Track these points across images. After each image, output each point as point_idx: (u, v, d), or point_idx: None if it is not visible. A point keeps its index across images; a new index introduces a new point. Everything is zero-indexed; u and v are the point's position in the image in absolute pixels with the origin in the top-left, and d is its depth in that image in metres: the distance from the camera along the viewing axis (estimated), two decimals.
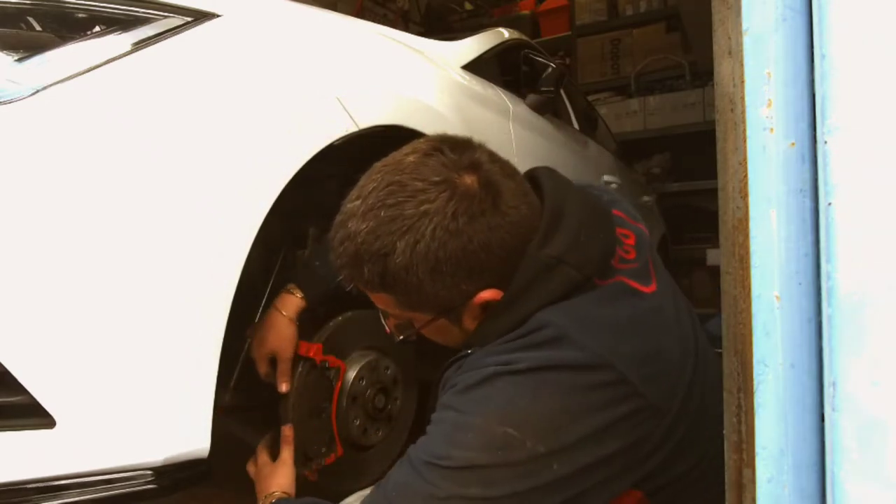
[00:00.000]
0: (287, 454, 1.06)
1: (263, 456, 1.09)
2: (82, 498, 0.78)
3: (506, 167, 0.84)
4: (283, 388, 1.09)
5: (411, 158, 0.80)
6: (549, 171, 0.92)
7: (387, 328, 0.93)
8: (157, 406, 0.81)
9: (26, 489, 0.76)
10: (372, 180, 0.80)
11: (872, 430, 0.45)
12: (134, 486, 0.80)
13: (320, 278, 1.10)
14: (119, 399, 0.79)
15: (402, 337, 0.91)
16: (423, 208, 0.76)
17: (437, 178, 0.78)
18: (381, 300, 0.86)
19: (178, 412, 0.83)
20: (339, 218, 0.82)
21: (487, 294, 0.81)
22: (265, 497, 1.00)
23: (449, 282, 0.79)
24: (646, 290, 0.88)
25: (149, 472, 0.81)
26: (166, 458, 0.82)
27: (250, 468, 1.10)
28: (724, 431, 0.57)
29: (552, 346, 0.77)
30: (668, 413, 0.78)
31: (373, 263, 0.78)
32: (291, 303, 1.09)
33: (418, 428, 1.40)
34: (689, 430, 0.80)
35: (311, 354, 1.13)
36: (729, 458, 0.56)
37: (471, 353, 0.83)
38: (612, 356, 0.76)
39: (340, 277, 0.84)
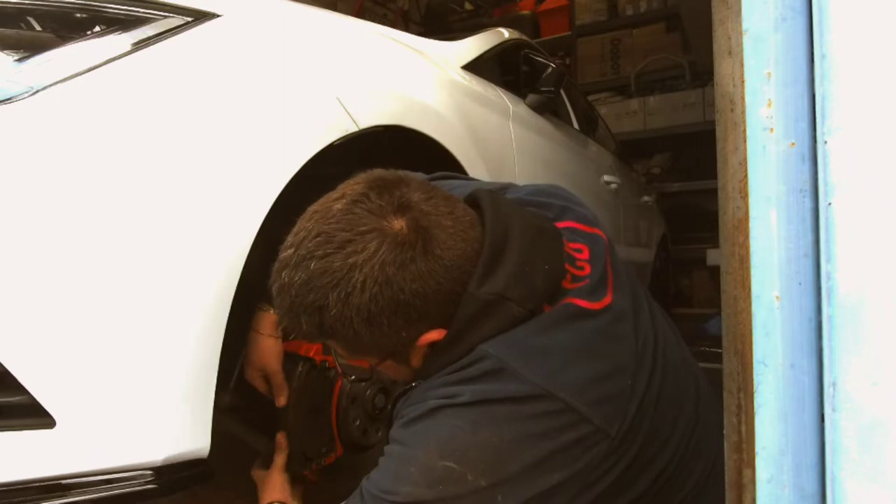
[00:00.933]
0: (280, 461, 1.08)
1: (255, 466, 1.11)
2: (82, 498, 0.79)
3: (440, 202, 0.80)
4: (281, 401, 1.10)
5: (338, 206, 0.78)
6: (491, 197, 0.88)
7: (339, 369, 0.95)
8: (157, 406, 0.81)
9: (26, 489, 0.76)
10: (304, 228, 0.78)
11: (872, 430, 0.45)
12: (134, 486, 0.80)
13: None
14: (119, 399, 0.79)
15: (353, 378, 0.94)
16: (350, 261, 0.74)
17: (363, 228, 0.75)
18: (327, 343, 0.88)
19: (178, 412, 0.83)
20: (275, 266, 0.80)
21: (431, 335, 0.80)
22: None
23: (387, 330, 0.77)
24: (597, 306, 0.85)
25: (149, 472, 0.81)
26: (166, 458, 0.82)
27: (254, 473, 1.12)
28: (724, 431, 0.57)
29: (491, 379, 0.76)
30: (619, 433, 0.78)
31: (308, 315, 0.76)
32: (266, 320, 1.08)
33: None
34: (643, 446, 0.81)
35: (311, 354, 1.13)
36: (729, 458, 0.56)
37: (415, 386, 0.84)
38: (552, 386, 0.75)
39: (281, 327, 0.86)
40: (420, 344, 0.81)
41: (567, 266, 0.86)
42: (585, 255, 0.90)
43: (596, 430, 0.76)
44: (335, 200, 0.79)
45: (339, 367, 0.94)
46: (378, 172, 0.84)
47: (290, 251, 0.78)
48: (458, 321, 0.79)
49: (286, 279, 0.77)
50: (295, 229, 0.80)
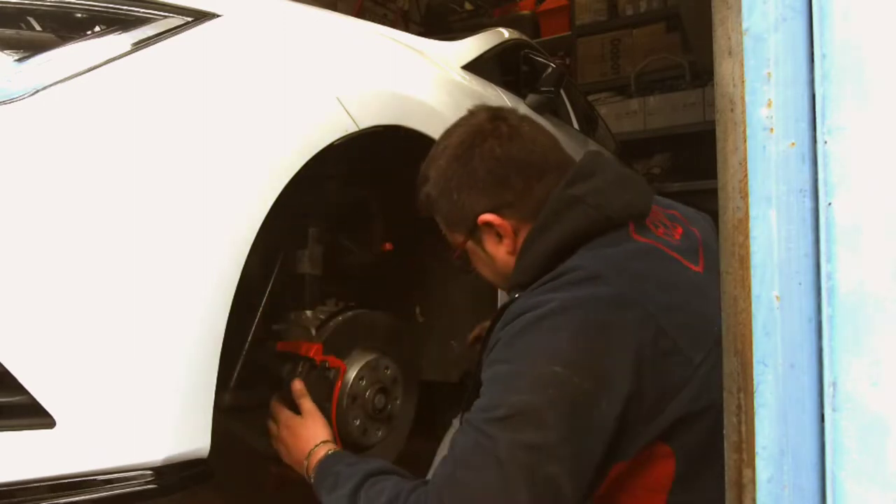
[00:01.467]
0: (309, 404, 1.06)
1: (284, 412, 1.07)
2: (82, 498, 0.78)
3: (529, 127, 1.01)
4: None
5: (460, 118, 1.06)
6: (596, 153, 1.05)
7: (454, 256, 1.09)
8: (157, 406, 0.81)
9: (26, 489, 0.76)
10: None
11: (872, 430, 0.45)
12: (134, 486, 0.80)
13: None
14: (119, 399, 0.79)
15: (455, 258, 1.07)
16: (446, 142, 1.01)
17: (464, 122, 1.03)
18: (439, 223, 1.06)
19: (178, 412, 0.83)
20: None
21: (488, 217, 0.96)
22: (309, 453, 0.99)
23: (456, 198, 0.97)
24: (689, 265, 0.92)
25: (149, 472, 0.81)
26: (166, 458, 0.82)
27: (272, 428, 1.09)
28: (724, 431, 0.57)
29: (585, 285, 0.82)
30: (693, 362, 0.81)
31: (421, 188, 1.03)
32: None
33: (418, 428, 1.40)
34: (710, 388, 0.81)
35: (311, 354, 1.13)
36: (729, 458, 0.56)
37: (511, 304, 0.89)
38: (642, 298, 0.81)
39: (418, 204, 1.06)
40: (480, 222, 0.97)
41: (656, 219, 0.97)
42: (679, 230, 0.99)
43: (677, 349, 0.80)
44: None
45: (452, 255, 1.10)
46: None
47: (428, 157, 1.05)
48: (542, 218, 0.92)
49: (421, 171, 1.04)
50: None
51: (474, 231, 1.00)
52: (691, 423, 0.82)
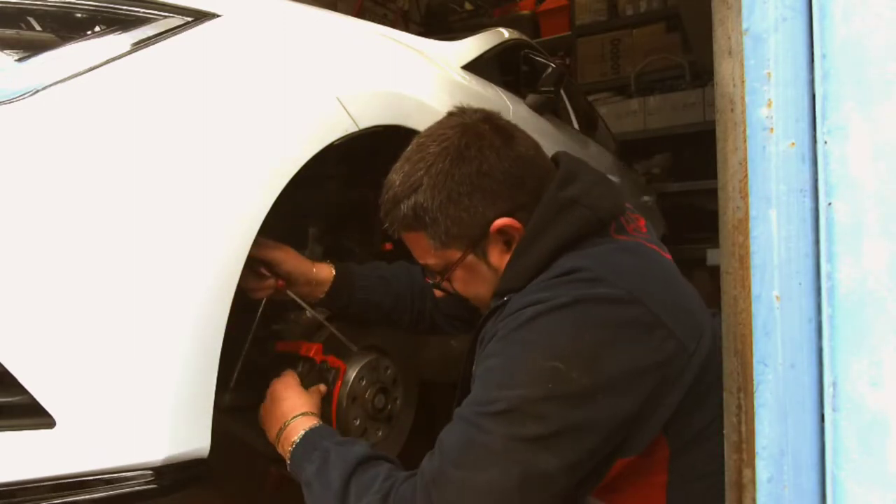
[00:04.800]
0: (291, 377, 1.05)
1: (273, 384, 1.06)
2: (82, 498, 0.78)
3: (518, 128, 0.97)
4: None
5: (436, 123, 0.97)
6: (567, 154, 1.03)
7: (429, 279, 1.02)
8: (157, 406, 0.81)
9: (26, 489, 0.76)
10: (408, 148, 0.96)
11: (872, 430, 0.45)
12: (134, 486, 0.80)
13: (353, 275, 1.21)
14: (119, 399, 0.79)
15: (440, 283, 0.99)
16: (442, 146, 0.90)
17: (454, 124, 0.93)
18: (420, 245, 0.96)
19: (178, 412, 0.83)
20: (385, 180, 0.96)
21: (503, 221, 0.90)
22: (289, 421, 0.97)
23: (466, 203, 0.89)
24: (664, 254, 0.95)
25: (149, 472, 0.81)
26: (166, 458, 0.82)
27: (261, 412, 1.06)
28: (724, 431, 0.57)
29: (587, 284, 0.82)
30: (690, 352, 0.82)
31: (406, 200, 0.91)
32: (325, 271, 1.17)
33: (418, 428, 1.40)
34: (706, 379, 0.83)
35: (311, 354, 1.13)
36: (729, 458, 0.56)
37: (508, 301, 0.87)
38: (643, 296, 0.81)
39: (384, 226, 0.97)
40: (494, 230, 0.91)
41: (628, 214, 0.97)
42: (643, 223, 1.01)
43: (677, 342, 0.81)
44: (436, 122, 0.98)
45: (427, 276, 1.02)
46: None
47: (397, 164, 0.95)
48: (537, 220, 0.90)
49: (391, 179, 0.94)
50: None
51: (480, 242, 0.92)
52: (689, 412, 0.83)
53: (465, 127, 0.92)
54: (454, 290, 1.00)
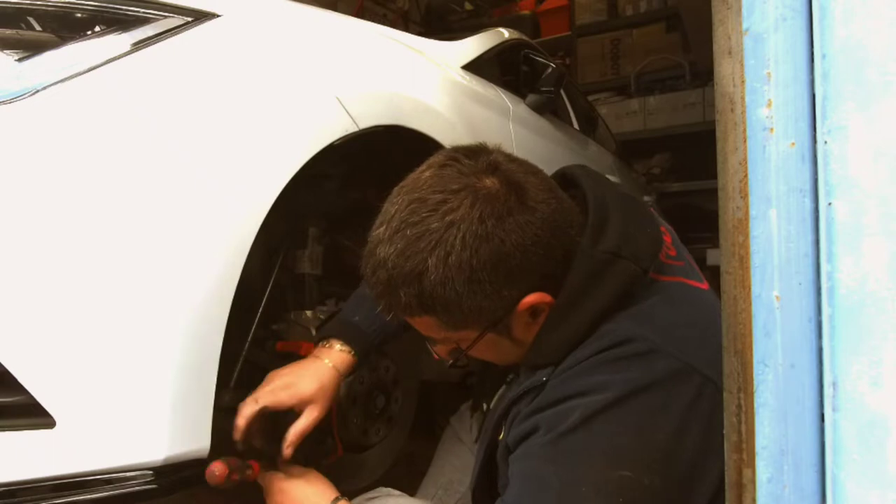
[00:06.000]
0: (299, 468, 0.97)
1: (274, 477, 0.95)
2: (82, 498, 0.78)
3: (525, 165, 0.81)
4: (288, 452, 0.94)
5: (427, 174, 0.78)
6: (583, 168, 0.90)
7: (435, 355, 0.88)
8: (156, 406, 0.81)
9: (26, 489, 0.76)
10: (393, 203, 0.78)
11: (872, 430, 0.45)
12: (134, 486, 0.80)
13: (364, 334, 1.05)
14: (119, 399, 0.79)
15: (452, 362, 0.86)
16: (448, 219, 0.73)
17: (456, 187, 0.75)
18: (424, 325, 0.81)
19: (178, 412, 0.83)
20: (367, 248, 0.79)
21: (532, 298, 0.77)
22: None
23: (489, 289, 0.74)
24: (700, 286, 0.86)
25: (149, 472, 0.81)
26: (166, 458, 0.82)
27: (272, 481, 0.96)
28: (724, 431, 0.57)
29: (639, 362, 0.73)
30: None
31: (407, 286, 0.74)
32: (343, 360, 1.00)
33: (419, 428, 1.40)
34: None
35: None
36: (729, 458, 0.56)
37: (546, 381, 0.78)
38: (696, 361, 0.73)
39: (379, 309, 0.80)
40: (521, 308, 0.77)
41: (662, 240, 0.86)
42: (669, 239, 0.90)
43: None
44: (422, 171, 0.79)
45: (433, 354, 0.88)
46: (459, 144, 0.84)
47: (382, 228, 0.77)
48: (572, 285, 0.77)
49: (381, 254, 0.75)
50: (383, 209, 0.79)
51: (502, 320, 0.79)
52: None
53: (474, 191, 0.74)
54: (465, 360, 0.88)
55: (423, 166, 0.80)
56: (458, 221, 0.73)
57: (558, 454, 0.72)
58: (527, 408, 0.78)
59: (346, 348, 1.02)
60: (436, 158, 0.81)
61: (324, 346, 1.03)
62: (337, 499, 0.90)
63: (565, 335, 0.78)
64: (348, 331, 1.04)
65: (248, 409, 0.91)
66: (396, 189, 0.80)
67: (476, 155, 0.79)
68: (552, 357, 0.79)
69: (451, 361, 0.86)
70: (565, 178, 0.89)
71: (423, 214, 0.74)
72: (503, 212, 0.74)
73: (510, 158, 0.81)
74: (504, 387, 0.90)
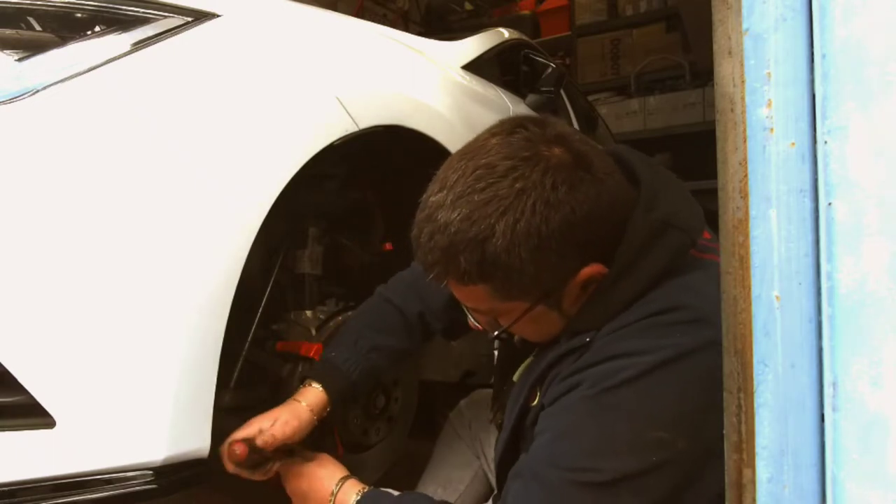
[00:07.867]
0: (310, 452, 1.00)
1: (287, 464, 0.98)
2: (82, 498, 0.78)
3: (585, 139, 0.81)
4: (272, 472, 0.96)
5: (494, 140, 0.76)
6: (628, 148, 0.91)
7: (477, 326, 0.88)
8: (157, 406, 0.81)
9: (26, 489, 0.76)
10: (454, 169, 0.76)
11: (872, 430, 0.45)
12: (134, 486, 0.80)
13: (341, 373, 1.06)
14: (119, 399, 0.79)
15: (496, 333, 0.85)
16: (518, 185, 0.72)
17: (526, 154, 0.74)
18: (474, 294, 0.80)
19: (178, 412, 0.83)
20: (422, 214, 0.77)
21: (590, 269, 0.77)
22: (335, 491, 0.91)
23: (553, 259, 0.74)
24: None
25: (149, 472, 0.81)
26: (166, 458, 0.82)
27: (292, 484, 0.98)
28: (724, 431, 0.57)
29: (689, 329, 0.73)
30: None
31: (470, 252, 0.73)
32: (319, 400, 1.01)
33: (419, 428, 1.40)
34: None
35: (311, 354, 1.13)
36: (729, 458, 0.56)
37: (590, 341, 0.78)
38: None
39: (430, 277, 0.79)
40: (579, 279, 0.77)
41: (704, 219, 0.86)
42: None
43: None
44: (487, 138, 0.78)
45: (474, 325, 0.87)
46: (523, 114, 0.84)
47: (443, 193, 0.75)
48: (625, 254, 0.77)
49: (442, 219, 0.73)
50: (440, 175, 0.78)
51: (557, 292, 0.79)
52: None
53: (545, 160, 0.74)
54: (507, 334, 0.87)
55: (486, 133, 0.79)
56: (529, 188, 0.72)
57: (600, 409, 0.73)
58: (569, 368, 0.78)
59: (319, 388, 1.04)
60: (500, 126, 0.79)
61: (304, 387, 1.05)
62: (344, 478, 0.93)
63: (612, 302, 0.78)
64: (325, 370, 1.07)
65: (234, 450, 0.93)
66: (456, 154, 0.79)
67: (543, 125, 0.79)
68: (595, 323, 0.79)
69: (495, 333, 0.86)
70: (613, 157, 0.89)
71: (492, 180, 0.73)
72: (575, 181, 0.74)
73: (574, 130, 0.81)
74: (531, 358, 0.89)
